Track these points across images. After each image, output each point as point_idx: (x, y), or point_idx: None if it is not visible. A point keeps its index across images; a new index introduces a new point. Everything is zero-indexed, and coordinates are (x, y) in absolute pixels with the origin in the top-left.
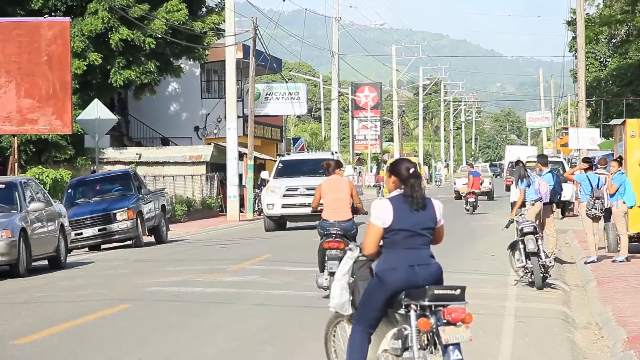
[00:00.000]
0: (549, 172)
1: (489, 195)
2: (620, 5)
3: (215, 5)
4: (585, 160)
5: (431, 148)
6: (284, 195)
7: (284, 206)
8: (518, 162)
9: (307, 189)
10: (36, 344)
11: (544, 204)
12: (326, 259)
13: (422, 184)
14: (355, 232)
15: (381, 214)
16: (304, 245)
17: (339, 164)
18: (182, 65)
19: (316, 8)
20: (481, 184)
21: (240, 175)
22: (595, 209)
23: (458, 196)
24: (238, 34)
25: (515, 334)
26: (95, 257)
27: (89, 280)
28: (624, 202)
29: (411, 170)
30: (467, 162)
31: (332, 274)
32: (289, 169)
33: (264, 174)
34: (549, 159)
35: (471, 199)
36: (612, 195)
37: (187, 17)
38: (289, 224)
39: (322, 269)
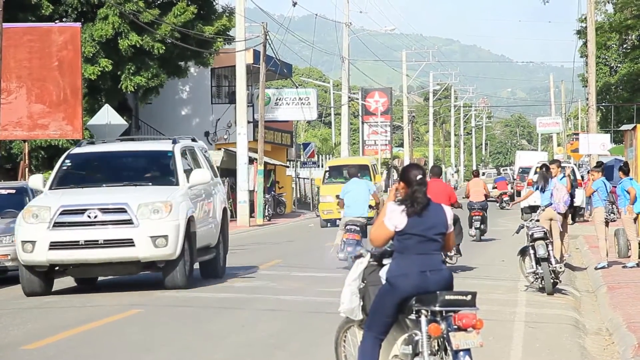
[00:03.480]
0: (563, 177)
1: (511, 197)
2: (631, 11)
3: (222, 8)
4: (599, 164)
5: (441, 153)
6: (57, 225)
7: (54, 246)
8: (543, 165)
9: (104, 210)
10: (46, 349)
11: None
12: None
13: (425, 191)
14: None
15: (394, 218)
16: (314, 251)
17: None
18: (191, 70)
19: (326, 13)
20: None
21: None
22: (613, 213)
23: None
24: (248, 39)
25: (525, 340)
26: None
27: (98, 284)
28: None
29: (417, 177)
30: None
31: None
32: (83, 173)
33: (33, 181)
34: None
35: (506, 198)
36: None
37: (194, 15)
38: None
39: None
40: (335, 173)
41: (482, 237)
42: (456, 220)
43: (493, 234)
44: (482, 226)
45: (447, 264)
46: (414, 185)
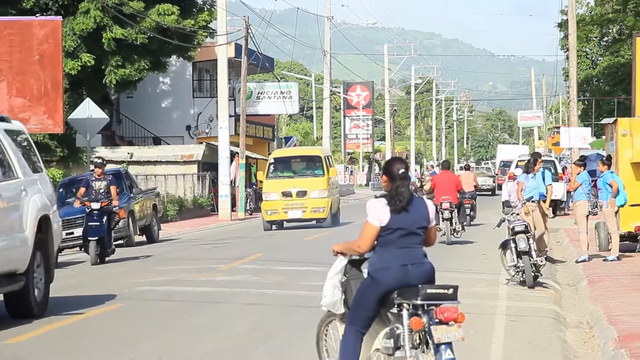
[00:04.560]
0: (544, 170)
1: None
2: (612, 5)
3: (203, 1)
4: (581, 158)
5: (423, 147)
6: None
7: None
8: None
9: None
10: (28, 343)
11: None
12: None
13: (409, 185)
14: None
15: (378, 213)
16: (295, 245)
17: None
18: (173, 64)
19: (308, 7)
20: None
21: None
22: (597, 206)
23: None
24: (230, 33)
25: (506, 333)
26: (86, 256)
27: (80, 280)
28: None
29: (400, 172)
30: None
31: None
32: None
33: None
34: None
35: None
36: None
37: (177, 20)
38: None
39: None
40: (282, 166)
41: (471, 223)
42: (460, 204)
43: (474, 228)
44: (471, 213)
45: (454, 238)
46: (397, 180)
